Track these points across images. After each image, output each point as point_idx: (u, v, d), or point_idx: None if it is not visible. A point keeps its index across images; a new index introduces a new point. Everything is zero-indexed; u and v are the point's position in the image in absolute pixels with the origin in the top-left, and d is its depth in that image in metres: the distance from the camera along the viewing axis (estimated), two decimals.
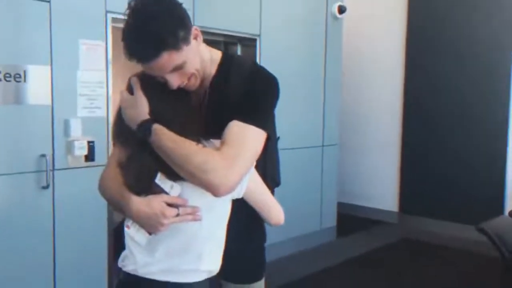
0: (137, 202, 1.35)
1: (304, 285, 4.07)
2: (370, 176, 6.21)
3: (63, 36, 2.98)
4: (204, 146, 1.36)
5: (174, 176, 1.33)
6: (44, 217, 2.97)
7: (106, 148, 3.17)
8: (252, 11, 4.26)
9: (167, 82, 1.37)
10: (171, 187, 1.35)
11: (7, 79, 2.77)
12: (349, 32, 5.60)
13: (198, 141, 1.36)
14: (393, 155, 5.99)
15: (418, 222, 5.66)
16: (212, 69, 1.51)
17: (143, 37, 1.29)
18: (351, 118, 6.19)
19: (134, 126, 1.36)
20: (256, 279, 1.67)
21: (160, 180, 1.35)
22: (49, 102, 2.94)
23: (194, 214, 1.35)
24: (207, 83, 1.51)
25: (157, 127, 1.32)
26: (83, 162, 3.08)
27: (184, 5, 1.38)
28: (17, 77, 2.81)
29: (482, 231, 3.10)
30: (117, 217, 2.86)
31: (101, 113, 3.17)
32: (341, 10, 4.97)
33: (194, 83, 1.45)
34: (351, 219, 5.87)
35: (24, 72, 2.83)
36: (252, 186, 1.44)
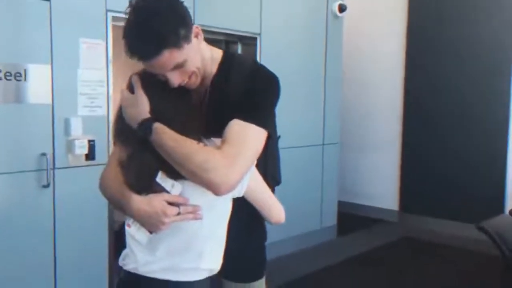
0: (138, 201, 1.35)
1: (304, 284, 4.07)
2: (370, 175, 6.21)
3: (63, 35, 2.98)
4: (205, 145, 1.36)
5: (175, 174, 1.33)
6: (45, 216, 2.97)
7: (106, 147, 3.17)
8: (253, 10, 4.26)
9: (167, 80, 1.37)
10: (172, 186, 1.35)
11: (8, 78, 2.77)
12: (350, 30, 5.59)
13: (199, 139, 1.36)
14: (393, 154, 5.99)
15: (418, 221, 5.66)
16: (213, 68, 1.51)
17: (145, 35, 1.29)
18: (352, 116, 6.19)
19: (134, 125, 1.36)
20: (257, 277, 1.67)
21: (161, 179, 1.35)
22: (49, 101, 2.94)
23: (195, 213, 1.35)
24: (208, 81, 1.51)
25: (158, 126, 1.32)
26: (83, 161, 3.08)
27: (185, 4, 1.38)
28: (18, 76, 2.81)
29: (482, 229, 3.09)
30: (118, 216, 2.87)
31: (102, 112, 3.17)
32: (342, 8, 4.97)
33: (195, 82, 1.45)
34: (352, 218, 5.87)
35: (25, 71, 2.83)
36: (253, 185, 1.44)
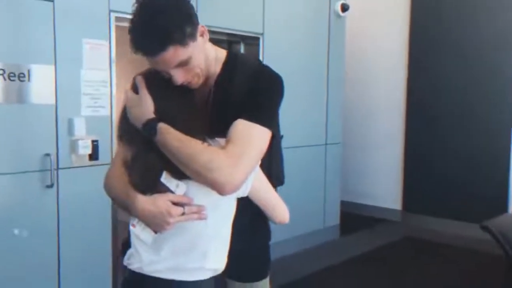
0: (143, 201, 1.35)
1: (307, 283, 4.08)
2: (373, 175, 6.21)
3: (66, 36, 2.98)
4: (210, 144, 1.36)
5: (179, 174, 1.34)
6: (49, 216, 2.97)
7: (110, 147, 3.18)
8: (255, 10, 4.26)
9: (171, 77, 1.38)
10: (177, 186, 1.35)
11: (11, 78, 2.77)
12: (352, 30, 5.59)
13: (203, 139, 1.36)
14: (396, 154, 5.98)
15: (421, 220, 5.65)
16: (217, 68, 1.52)
17: (150, 31, 1.30)
18: (354, 116, 6.19)
19: (139, 125, 1.36)
20: (261, 277, 1.68)
21: (166, 179, 1.36)
22: (53, 101, 2.95)
23: (199, 213, 1.35)
24: (212, 81, 1.51)
25: (163, 126, 1.32)
26: (87, 161, 3.09)
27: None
28: (21, 76, 2.81)
29: (486, 229, 3.08)
30: (122, 215, 2.87)
31: (105, 112, 3.18)
32: (344, 8, 4.96)
33: (197, 81, 1.45)
34: (355, 218, 5.87)
35: (28, 71, 2.84)
36: (257, 185, 1.44)
